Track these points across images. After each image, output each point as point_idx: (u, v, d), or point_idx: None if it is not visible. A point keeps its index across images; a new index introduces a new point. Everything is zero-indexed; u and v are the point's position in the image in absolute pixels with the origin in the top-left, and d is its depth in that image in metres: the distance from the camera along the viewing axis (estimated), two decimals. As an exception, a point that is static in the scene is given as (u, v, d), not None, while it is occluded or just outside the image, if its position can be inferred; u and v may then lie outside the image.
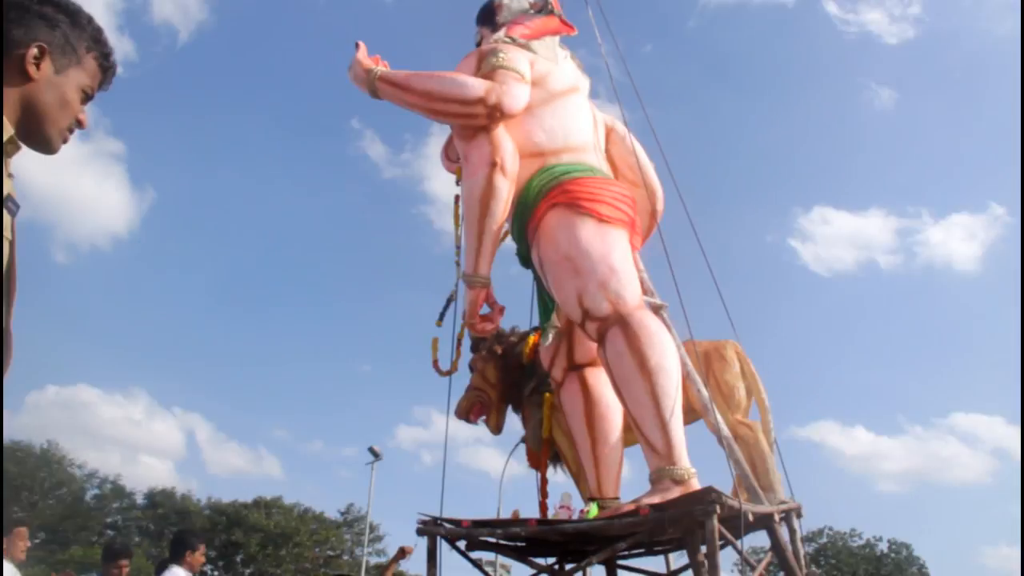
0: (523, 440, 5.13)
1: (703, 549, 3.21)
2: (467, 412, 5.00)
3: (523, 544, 3.95)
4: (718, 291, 4.32)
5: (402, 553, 5.75)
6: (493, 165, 3.86)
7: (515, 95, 3.98)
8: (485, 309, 4.02)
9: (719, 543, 3.03)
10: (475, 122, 3.95)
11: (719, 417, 3.88)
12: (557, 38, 4.87)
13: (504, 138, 3.95)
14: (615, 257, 3.72)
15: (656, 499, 3.22)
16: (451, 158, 4.93)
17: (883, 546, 42.23)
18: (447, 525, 3.68)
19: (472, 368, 5.14)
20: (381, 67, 4.21)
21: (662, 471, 3.34)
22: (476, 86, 3.93)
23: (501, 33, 4.57)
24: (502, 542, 3.87)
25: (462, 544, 3.84)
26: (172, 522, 36.02)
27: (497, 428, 5.04)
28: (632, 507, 3.23)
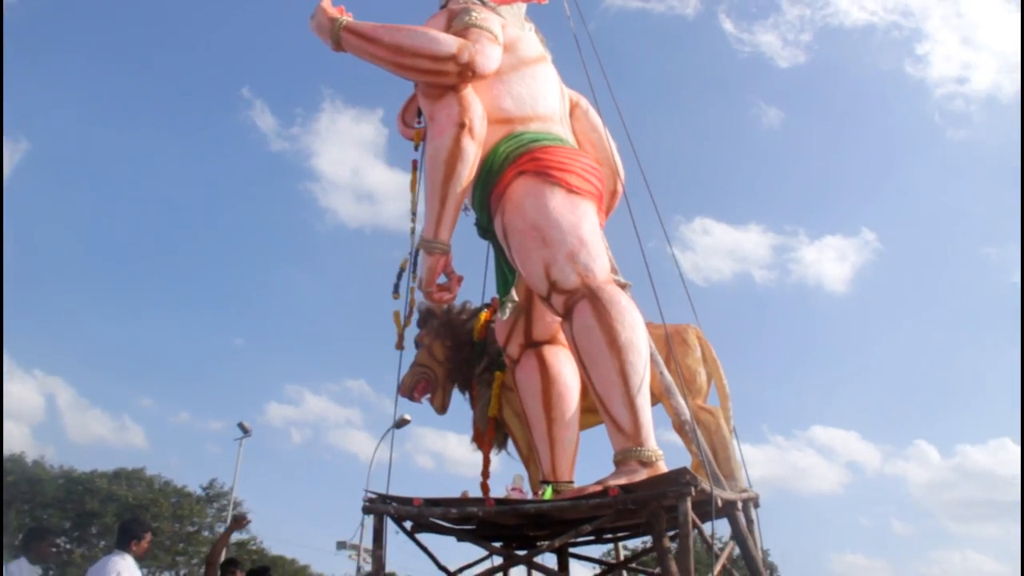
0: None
1: (668, 534, 3.09)
2: (411, 390, 4.77)
3: (473, 527, 3.75)
4: (681, 276, 4.23)
5: (236, 523, 5.53)
6: (461, 126, 3.65)
7: (488, 55, 3.79)
8: (442, 279, 3.82)
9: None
10: (445, 80, 3.73)
11: (681, 401, 3.78)
12: (524, 7, 4.69)
13: (474, 99, 3.75)
14: (585, 229, 3.57)
15: (623, 481, 3.07)
16: (407, 123, 4.68)
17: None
18: (396, 504, 3.46)
19: (419, 344, 4.91)
20: (347, 17, 3.95)
21: (628, 452, 3.19)
22: (449, 42, 3.72)
23: None
24: (450, 524, 3.67)
25: (408, 525, 3.63)
26: (22, 490, 33.87)
27: (442, 407, 4.82)
28: (599, 488, 3.08)
